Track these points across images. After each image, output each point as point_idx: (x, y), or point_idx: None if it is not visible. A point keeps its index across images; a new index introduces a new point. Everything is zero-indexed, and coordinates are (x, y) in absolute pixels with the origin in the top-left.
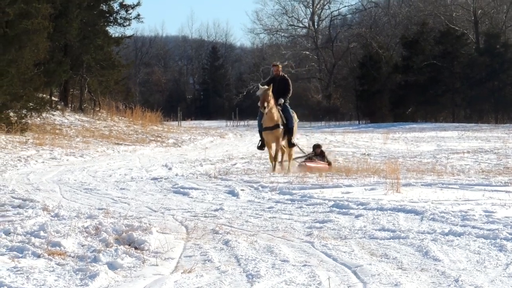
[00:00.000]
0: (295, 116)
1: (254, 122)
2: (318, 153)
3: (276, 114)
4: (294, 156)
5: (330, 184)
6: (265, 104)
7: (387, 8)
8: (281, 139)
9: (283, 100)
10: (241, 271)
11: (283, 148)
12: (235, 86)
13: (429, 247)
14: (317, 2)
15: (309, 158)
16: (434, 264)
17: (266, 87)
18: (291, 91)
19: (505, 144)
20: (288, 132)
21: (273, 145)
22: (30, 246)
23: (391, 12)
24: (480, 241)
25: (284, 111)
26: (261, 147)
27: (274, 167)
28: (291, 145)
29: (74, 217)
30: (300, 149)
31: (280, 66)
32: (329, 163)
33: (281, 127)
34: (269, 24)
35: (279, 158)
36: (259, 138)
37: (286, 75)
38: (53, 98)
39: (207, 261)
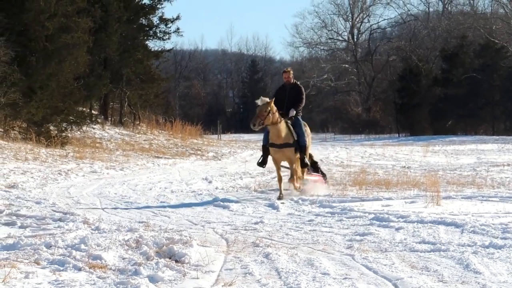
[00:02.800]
0: (307, 130)
1: None
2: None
3: (284, 130)
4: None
5: (370, 197)
6: (258, 121)
7: (427, 21)
8: (294, 159)
9: (294, 112)
10: (282, 284)
11: (297, 170)
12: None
13: (470, 259)
14: (357, 16)
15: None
16: (475, 277)
17: (267, 100)
18: (303, 101)
19: None
20: (300, 150)
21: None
22: (71, 259)
23: (431, 25)
24: None
25: (295, 125)
26: (261, 163)
27: (281, 192)
28: (304, 165)
29: (114, 230)
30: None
31: (291, 72)
32: (324, 175)
33: (293, 145)
34: (308, 37)
35: (296, 183)
36: (261, 154)
37: (298, 82)
38: (93, 111)
39: (247, 274)
